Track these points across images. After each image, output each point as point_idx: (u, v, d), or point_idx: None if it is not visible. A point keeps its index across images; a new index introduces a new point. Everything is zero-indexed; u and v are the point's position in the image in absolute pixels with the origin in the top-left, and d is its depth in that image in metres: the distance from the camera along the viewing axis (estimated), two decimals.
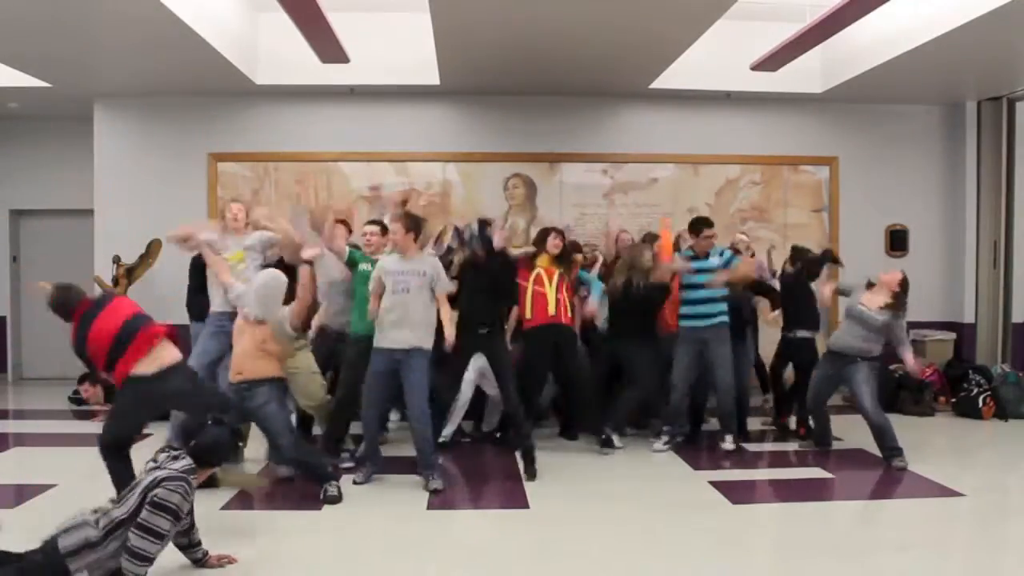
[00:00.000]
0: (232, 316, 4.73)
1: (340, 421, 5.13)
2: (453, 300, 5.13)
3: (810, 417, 5.73)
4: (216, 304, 5.09)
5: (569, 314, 5.59)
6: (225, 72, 6.85)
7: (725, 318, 5.60)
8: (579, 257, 6.10)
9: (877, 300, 5.29)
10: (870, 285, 5.46)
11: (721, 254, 5.64)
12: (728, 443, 5.66)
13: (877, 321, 5.22)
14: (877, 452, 5.32)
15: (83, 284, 7.79)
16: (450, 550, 3.72)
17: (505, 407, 5.37)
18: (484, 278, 5.32)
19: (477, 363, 5.51)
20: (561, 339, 5.49)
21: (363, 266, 5.12)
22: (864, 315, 5.26)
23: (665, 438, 5.68)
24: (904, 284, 5.29)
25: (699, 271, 5.59)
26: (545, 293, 5.49)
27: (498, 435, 5.90)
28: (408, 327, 4.60)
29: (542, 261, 5.65)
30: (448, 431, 5.65)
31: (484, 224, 5.51)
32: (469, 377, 5.61)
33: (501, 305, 5.50)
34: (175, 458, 3.15)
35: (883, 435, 5.22)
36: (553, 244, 5.65)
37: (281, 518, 4.14)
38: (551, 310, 5.46)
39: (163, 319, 4.70)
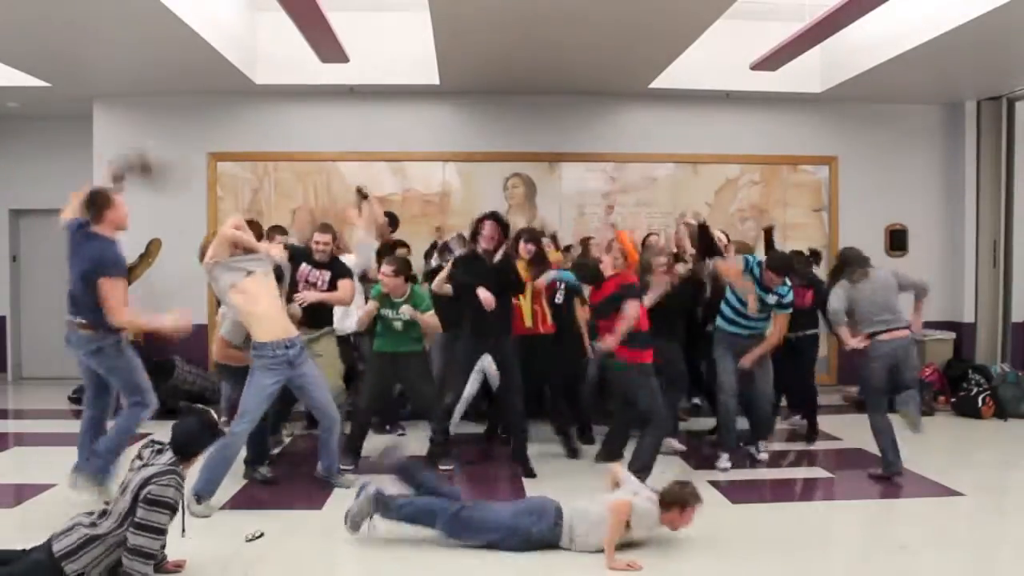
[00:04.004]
0: None
1: (359, 428, 5.17)
2: (452, 303, 5.16)
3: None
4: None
5: (549, 322, 5.48)
6: (225, 72, 6.84)
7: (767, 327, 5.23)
8: (557, 256, 5.89)
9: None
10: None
11: (783, 295, 5.18)
12: (762, 453, 5.36)
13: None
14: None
15: None
16: (451, 549, 3.72)
17: (508, 415, 5.21)
18: (488, 276, 4.99)
19: (483, 362, 5.30)
20: (539, 350, 5.37)
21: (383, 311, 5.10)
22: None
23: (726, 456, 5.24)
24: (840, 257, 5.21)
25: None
26: (520, 305, 5.35)
27: (503, 435, 5.86)
28: None
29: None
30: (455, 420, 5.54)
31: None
32: (476, 370, 5.39)
33: (509, 302, 5.18)
34: (159, 452, 3.15)
35: (876, 434, 5.04)
36: (525, 249, 5.40)
37: (281, 518, 4.14)
38: (527, 322, 5.38)
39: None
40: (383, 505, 3.74)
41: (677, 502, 3.66)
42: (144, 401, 4.24)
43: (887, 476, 4.89)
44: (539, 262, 5.38)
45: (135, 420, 4.24)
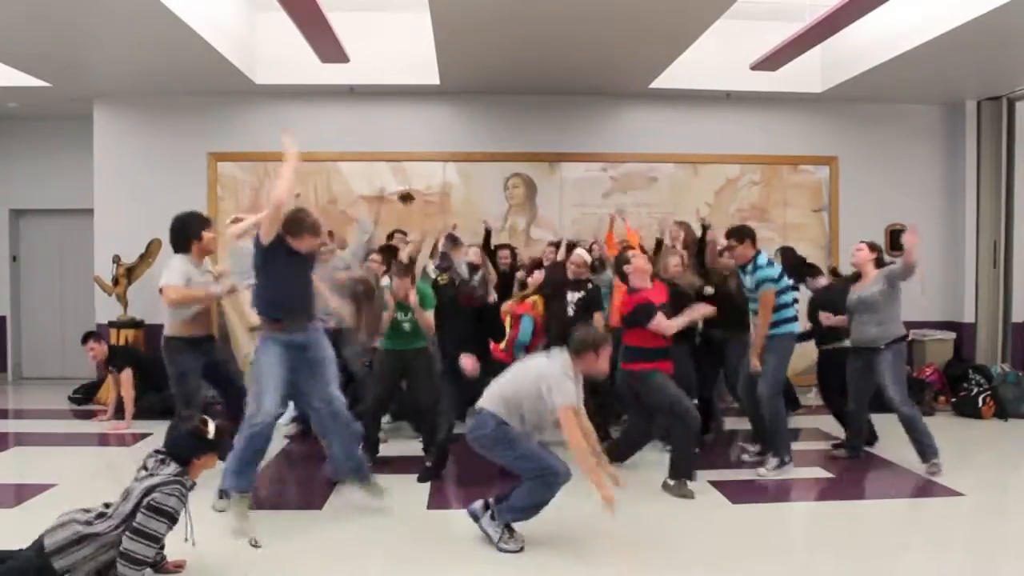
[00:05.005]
0: None
1: (371, 424, 5.13)
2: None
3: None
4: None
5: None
6: (225, 72, 6.85)
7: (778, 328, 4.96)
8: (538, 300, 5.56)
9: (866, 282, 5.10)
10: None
11: (755, 271, 4.95)
12: (769, 466, 5.00)
13: (876, 296, 4.98)
14: (877, 452, 5.32)
15: (83, 284, 8.01)
16: (450, 549, 3.72)
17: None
18: (470, 319, 5.11)
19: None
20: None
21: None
22: (864, 298, 5.05)
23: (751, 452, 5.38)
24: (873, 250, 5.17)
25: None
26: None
27: None
28: None
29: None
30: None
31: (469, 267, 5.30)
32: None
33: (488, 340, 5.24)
34: (163, 462, 3.17)
35: (913, 427, 5.01)
36: (535, 279, 5.57)
37: (281, 518, 4.15)
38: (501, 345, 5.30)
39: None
40: (499, 512, 3.73)
41: (589, 348, 3.63)
42: (256, 409, 3.96)
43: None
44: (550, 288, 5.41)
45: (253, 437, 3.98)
